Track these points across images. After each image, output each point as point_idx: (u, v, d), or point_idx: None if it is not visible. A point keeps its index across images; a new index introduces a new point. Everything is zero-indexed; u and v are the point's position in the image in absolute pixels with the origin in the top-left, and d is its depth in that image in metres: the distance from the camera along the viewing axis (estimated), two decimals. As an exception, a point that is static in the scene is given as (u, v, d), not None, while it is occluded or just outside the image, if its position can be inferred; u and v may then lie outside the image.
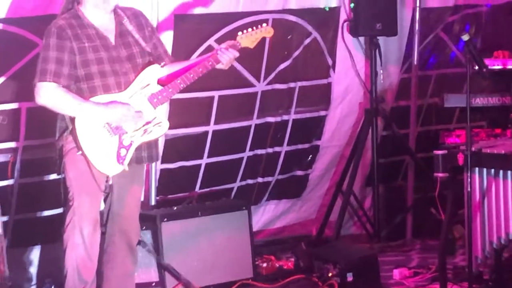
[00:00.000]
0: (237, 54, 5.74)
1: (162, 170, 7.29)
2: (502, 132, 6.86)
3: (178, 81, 5.72)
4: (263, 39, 6.04)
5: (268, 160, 7.93)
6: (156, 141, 6.06)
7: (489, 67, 6.89)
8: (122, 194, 5.75)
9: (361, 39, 8.01)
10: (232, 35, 5.91)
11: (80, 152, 5.43)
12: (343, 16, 7.78)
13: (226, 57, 5.68)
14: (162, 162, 7.22)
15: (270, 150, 7.90)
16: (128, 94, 5.58)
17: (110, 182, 5.56)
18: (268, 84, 7.58)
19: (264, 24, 5.92)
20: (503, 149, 5.86)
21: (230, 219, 7.10)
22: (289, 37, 7.60)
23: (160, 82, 5.74)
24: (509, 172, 5.77)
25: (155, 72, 5.71)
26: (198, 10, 7.12)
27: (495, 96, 7.33)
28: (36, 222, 6.81)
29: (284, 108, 7.82)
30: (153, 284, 6.63)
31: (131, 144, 5.55)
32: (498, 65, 7.28)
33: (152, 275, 6.66)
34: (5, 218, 6.25)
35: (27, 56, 6.25)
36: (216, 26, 7.16)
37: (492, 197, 5.88)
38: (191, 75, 5.70)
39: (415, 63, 8.27)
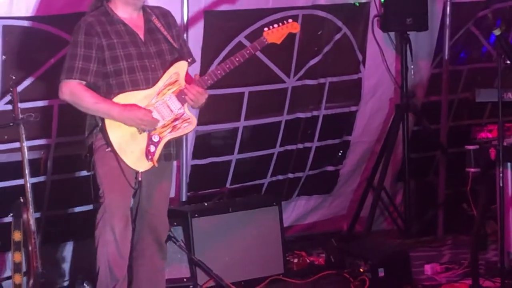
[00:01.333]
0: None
1: (193, 166, 7.26)
2: None
3: (206, 77, 5.69)
4: (293, 35, 6.03)
5: (299, 156, 7.89)
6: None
7: None
8: (151, 191, 5.76)
9: (392, 34, 7.96)
10: (261, 31, 5.86)
11: (110, 149, 5.44)
12: (373, 11, 7.75)
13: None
14: (193, 158, 7.26)
15: (300, 145, 7.87)
16: (156, 90, 5.61)
17: (140, 179, 5.54)
18: (299, 80, 7.58)
19: (290, 20, 5.91)
20: None
21: (261, 215, 7.10)
22: (319, 33, 7.58)
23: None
24: None
25: (183, 68, 5.71)
26: (227, 7, 7.07)
27: None
28: (68, 219, 6.83)
29: (314, 104, 7.80)
30: (185, 280, 6.61)
31: (160, 141, 5.57)
32: None
33: (184, 271, 6.65)
34: (37, 215, 6.23)
35: (58, 54, 6.26)
36: (246, 22, 7.14)
37: None
38: (219, 72, 5.73)
39: (446, 58, 8.20)
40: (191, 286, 6.68)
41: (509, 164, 6.03)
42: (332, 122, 7.98)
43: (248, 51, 5.74)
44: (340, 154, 8.09)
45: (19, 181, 6.02)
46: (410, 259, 6.95)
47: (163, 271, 6.01)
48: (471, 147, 6.37)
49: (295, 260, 7.34)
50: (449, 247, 7.77)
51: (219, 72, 5.71)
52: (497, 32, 6.08)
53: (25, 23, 6.34)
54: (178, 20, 6.45)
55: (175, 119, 5.61)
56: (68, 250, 6.89)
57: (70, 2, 6.35)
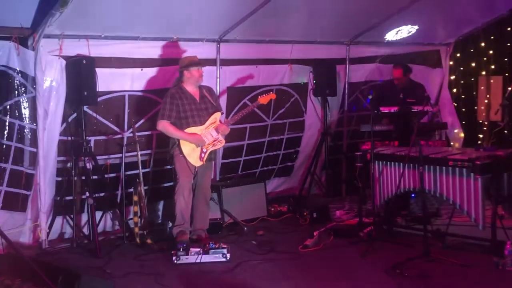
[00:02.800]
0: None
1: (222, 163, 7.50)
2: (389, 143, 6.83)
3: (229, 120, 6.33)
4: (271, 99, 6.44)
5: (274, 158, 8.01)
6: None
7: (381, 111, 7.04)
8: (202, 175, 6.21)
9: (319, 98, 8.02)
10: (256, 97, 6.43)
11: (182, 155, 5.98)
12: (310, 86, 7.96)
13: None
14: (222, 159, 7.45)
15: (274, 152, 7.98)
16: (205, 126, 6.04)
17: (196, 170, 6.10)
18: (274, 120, 7.76)
19: (271, 92, 6.52)
20: (389, 151, 6.15)
21: (256, 187, 7.31)
22: (283, 97, 7.73)
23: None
24: (392, 163, 5.98)
25: (218, 116, 6.18)
26: (239, 85, 7.28)
27: (384, 125, 7.03)
28: (161, 189, 6.96)
29: (281, 132, 7.95)
30: (218, 219, 6.74)
31: (206, 151, 6.05)
32: (385, 111, 7.01)
33: (217, 215, 6.79)
34: (145, 187, 6.42)
35: (155, 109, 6.50)
36: (248, 93, 7.34)
37: (384, 176, 6.09)
38: (235, 118, 6.31)
39: (346, 109, 8.39)
40: (221, 222, 6.76)
41: (376, 162, 6.12)
42: (290, 141, 8.10)
43: (250, 108, 6.39)
44: (294, 156, 8.24)
45: (136, 171, 6.27)
46: (329, 208, 7.30)
47: (208, 215, 6.38)
48: (358, 153, 6.45)
49: (272, 209, 7.48)
50: (348, 202, 7.86)
51: (235, 118, 6.33)
52: (370, 97, 6.76)
53: (139, 93, 6.56)
54: (215, 91, 6.88)
55: (214, 141, 6.08)
56: (160, 205, 7.07)
57: (162, 83, 6.57)
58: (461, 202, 5.39)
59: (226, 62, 7.18)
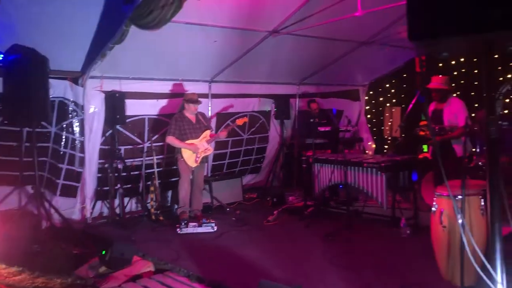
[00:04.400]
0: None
1: (212, 164, 7.29)
2: (325, 151, 6.72)
3: (216, 135, 6.17)
4: (245, 122, 6.42)
5: (247, 161, 7.84)
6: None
7: (319, 130, 6.96)
8: (197, 173, 6.09)
9: (278, 121, 7.85)
10: (235, 120, 6.43)
11: (183, 158, 5.92)
12: (272, 112, 7.80)
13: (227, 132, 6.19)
14: (212, 162, 7.26)
15: (248, 157, 7.79)
16: (199, 139, 5.95)
17: (193, 169, 6.01)
18: (248, 135, 7.63)
19: (245, 117, 6.53)
20: (324, 156, 6.04)
21: (235, 181, 7.14)
22: (254, 120, 7.60)
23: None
24: (326, 164, 5.88)
25: (208, 132, 6.05)
26: (224, 112, 7.20)
27: (321, 139, 6.99)
28: (169, 182, 6.73)
29: (253, 143, 7.80)
30: (209, 203, 6.56)
31: (200, 156, 5.95)
32: (322, 129, 7.01)
33: (209, 200, 6.64)
34: (159, 181, 6.27)
35: (165, 128, 6.21)
36: (230, 116, 7.20)
37: (320, 173, 5.98)
38: (220, 134, 6.20)
39: (296, 128, 8.01)
40: (211, 205, 6.60)
41: (316, 164, 5.98)
42: (259, 149, 7.93)
43: (231, 126, 6.35)
44: (261, 160, 8.04)
45: (152, 170, 6.16)
46: (285, 195, 7.02)
47: (201, 200, 6.24)
48: (303, 158, 6.36)
49: (246, 196, 7.28)
50: (298, 191, 7.16)
51: (220, 134, 6.21)
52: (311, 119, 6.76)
53: (155, 116, 6.41)
54: (208, 115, 6.85)
55: (205, 149, 5.99)
56: (169, 193, 6.84)
57: (170, 110, 6.33)
58: (372, 191, 5.40)
59: (215, 96, 7.08)
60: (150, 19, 4.27)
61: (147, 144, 6.51)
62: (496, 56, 2.02)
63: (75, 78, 5.67)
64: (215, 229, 5.55)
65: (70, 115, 5.79)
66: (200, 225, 5.55)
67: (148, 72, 6.09)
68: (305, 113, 7.75)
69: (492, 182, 1.83)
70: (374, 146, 8.96)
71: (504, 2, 1.61)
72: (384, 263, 4.26)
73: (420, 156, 6.49)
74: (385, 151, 8.71)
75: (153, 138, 6.50)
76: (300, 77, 7.96)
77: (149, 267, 4.03)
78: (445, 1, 1.69)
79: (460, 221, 3.40)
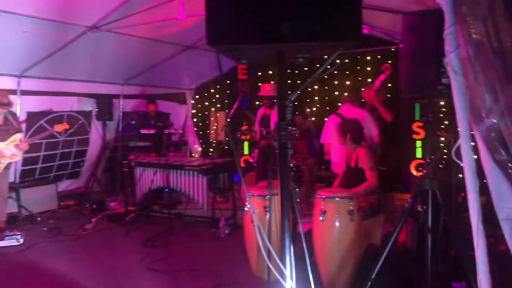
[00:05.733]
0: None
1: (22, 170, 6.68)
2: (149, 154, 6.54)
3: (27, 140, 5.82)
4: (65, 128, 6.29)
5: (65, 165, 7.32)
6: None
7: (142, 132, 6.88)
8: (0, 180, 5.54)
9: (100, 122, 7.46)
10: (49, 120, 6.23)
11: None
12: (94, 113, 7.41)
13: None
14: (22, 166, 6.67)
15: (65, 161, 7.27)
16: (6, 143, 5.51)
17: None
18: (65, 137, 7.07)
19: (65, 123, 6.36)
20: (147, 160, 6.05)
21: (49, 187, 6.76)
22: (73, 121, 7.09)
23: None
24: (148, 168, 5.93)
25: (19, 136, 5.62)
26: (37, 110, 6.58)
27: (146, 141, 6.92)
28: None
29: (71, 146, 7.24)
30: (16, 213, 6.10)
31: (4, 162, 5.50)
32: (146, 132, 6.88)
33: (16, 210, 6.12)
34: None
35: None
36: (44, 116, 6.64)
37: (143, 177, 5.99)
38: (34, 139, 5.91)
39: (120, 130, 7.90)
40: (18, 215, 6.09)
41: (138, 167, 5.94)
42: (78, 152, 7.41)
43: (48, 132, 6.03)
44: (81, 164, 7.60)
45: None
46: (106, 201, 6.77)
47: (4, 209, 5.62)
48: (125, 161, 6.25)
49: (62, 203, 6.85)
50: (121, 196, 6.98)
51: (33, 139, 5.88)
52: (133, 122, 6.56)
53: None
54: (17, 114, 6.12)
55: (12, 155, 5.55)
56: None
57: None
58: (193, 193, 5.57)
59: (26, 93, 6.46)
60: None
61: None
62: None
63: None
64: (21, 242, 5.17)
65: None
66: (2, 238, 5.14)
67: None
68: (142, 115, 7.65)
69: (283, 183, 1.98)
70: (200, 149, 9.20)
71: (292, 17, 1.76)
72: (202, 265, 4.35)
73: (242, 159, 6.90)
74: (210, 154, 9.01)
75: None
76: (124, 77, 7.76)
77: None
78: (241, 12, 1.78)
79: (267, 218, 3.62)
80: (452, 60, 2.04)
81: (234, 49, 1.86)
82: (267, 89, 6.00)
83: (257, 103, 8.20)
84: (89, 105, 7.54)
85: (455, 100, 2.05)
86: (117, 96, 7.91)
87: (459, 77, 2.02)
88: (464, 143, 2.02)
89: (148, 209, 6.42)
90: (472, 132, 1.99)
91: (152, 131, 6.97)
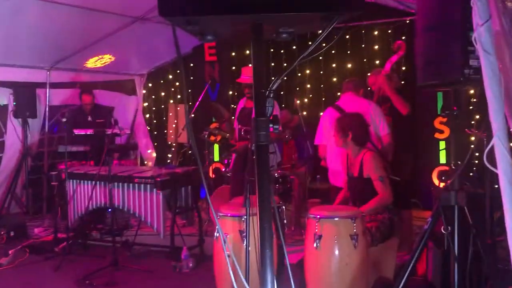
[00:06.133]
0: None
1: None
2: (86, 163, 6.67)
3: None
4: None
5: None
6: None
7: (75, 133, 6.92)
8: None
9: (19, 120, 7.50)
10: None
11: None
12: (10, 108, 7.48)
13: None
14: None
15: None
16: None
17: None
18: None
19: None
20: (82, 170, 5.99)
21: None
22: None
23: None
24: (84, 181, 5.89)
25: None
26: None
27: (80, 146, 6.91)
28: None
29: None
30: None
31: None
32: (81, 133, 6.93)
33: None
34: None
35: None
36: None
37: (77, 193, 5.96)
38: None
39: (46, 130, 7.96)
40: None
41: (70, 180, 5.90)
42: None
43: None
44: None
45: None
46: (27, 226, 6.85)
47: None
48: (53, 172, 6.13)
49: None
50: (48, 219, 7.29)
51: None
52: (63, 119, 6.20)
53: None
54: None
55: None
56: None
57: None
58: (146, 214, 5.51)
59: None
60: None
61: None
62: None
63: None
64: None
65: None
66: None
67: None
68: (76, 110, 7.51)
69: (262, 199, 1.93)
70: (155, 154, 9.12)
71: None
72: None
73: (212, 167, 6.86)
74: (168, 161, 8.92)
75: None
76: (51, 60, 7.74)
77: None
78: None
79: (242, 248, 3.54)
80: (481, 36, 2.03)
81: (195, 21, 1.82)
82: (250, 74, 5.90)
83: (230, 92, 8.21)
84: (4, 98, 7.57)
85: (487, 88, 2.03)
86: (41, 85, 7.90)
87: (491, 58, 1.99)
88: (499, 144, 1.99)
89: (85, 237, 6.33)
90: (510, 130, 1.99)
91: (89, 131, 6.94)
